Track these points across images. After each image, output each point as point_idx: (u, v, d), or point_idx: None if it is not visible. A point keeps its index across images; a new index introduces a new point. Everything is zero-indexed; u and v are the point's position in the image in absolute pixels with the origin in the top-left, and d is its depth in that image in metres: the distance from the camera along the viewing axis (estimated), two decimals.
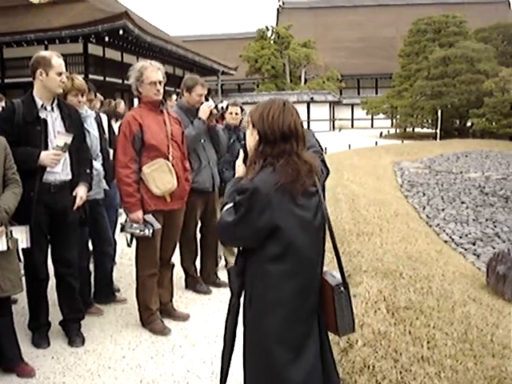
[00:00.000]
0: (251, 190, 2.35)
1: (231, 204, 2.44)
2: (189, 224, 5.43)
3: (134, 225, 4.46)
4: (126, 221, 4.53)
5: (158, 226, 4.52)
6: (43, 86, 4.13)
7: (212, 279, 5.72)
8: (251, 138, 2.53)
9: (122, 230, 4.56)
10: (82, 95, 4.85)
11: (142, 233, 4.45)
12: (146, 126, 4.47)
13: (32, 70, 4.13)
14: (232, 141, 6.02)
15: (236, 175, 2.61)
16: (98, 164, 4.95)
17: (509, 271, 5.75)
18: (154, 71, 4.51)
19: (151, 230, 4.47)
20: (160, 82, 4.52)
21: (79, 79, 4.87)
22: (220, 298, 5.37)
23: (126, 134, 4.44)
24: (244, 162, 2.60)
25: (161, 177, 4.48)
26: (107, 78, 25.46)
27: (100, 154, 5.06)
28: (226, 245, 2.63)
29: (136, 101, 9.36)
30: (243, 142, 2.70)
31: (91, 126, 4.99)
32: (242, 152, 2.62)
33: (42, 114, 4.12)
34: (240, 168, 2.60)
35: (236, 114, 6.12)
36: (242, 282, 2.51)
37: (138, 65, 4.57)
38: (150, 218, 4.49)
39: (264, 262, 2.43)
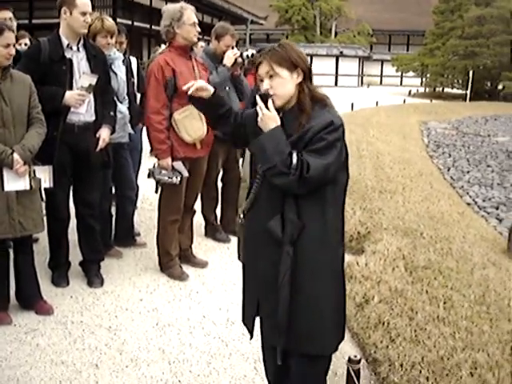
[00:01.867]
0: (342, 125, 2.44)
1: (295, 154, 2.35)
2: (210, 172, 5.41)
3: (163, 171, 4.44)
4: (154, 167, 4.51)
5: (186, 173, 4.53)
6: (67, 25, 4.08)
7: (232, 228, 5.72)
8: (289, 83, 2.46)
9: (150, 176, 4.54)
10: (112, 37, 4.80)
11: (170, 180, 4.44)
12: (179, 72, 4.41)
13: (58, 9, 4.09)
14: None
15: (273, 125, 2.41)
16: (123, 107, 4.92)
17: None
18: (193, 12, 4.44)
19: (179, 178, 4.47)
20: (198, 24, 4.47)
21: (109, 20, 4.81)
22: None
23: (158, 79, 4.36)
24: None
25: (192, 124, 4.44)
26: (135, 23, 25.21)
27: (126, 98, 5.02)
28: (306, 190, 2.48)
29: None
30: (258, 92, 2.51)
31: (119, 69, 4.94)
32: (260, 101, 2.42)
33: (68, 54, 4.10)
34: (277, 117, 2.43)
35: None
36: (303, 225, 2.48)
37: (175, 6, 4.44)
38: (179, 165, 4.48)
39: (338, 194, 2.53)
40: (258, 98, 2.44)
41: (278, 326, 2.51)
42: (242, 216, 2.73)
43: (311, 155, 2.36)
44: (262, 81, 2.52)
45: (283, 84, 2.46)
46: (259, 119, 2.44)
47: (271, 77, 2.47)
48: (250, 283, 2.76)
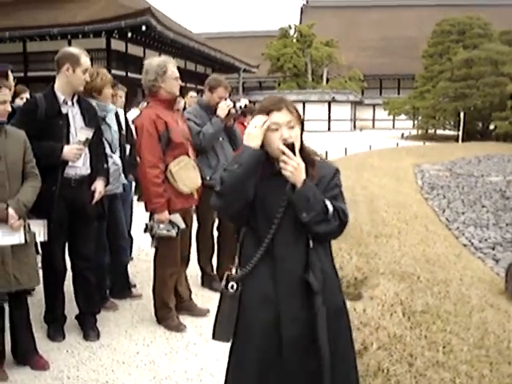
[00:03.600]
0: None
1: (327, 201, 2.43)
2: (206, 221, 5.43)
3: (161, 225, 4.45)
4: (151, 221, 4.51)
5: (182, 225, 4.54)
6: (67, 82, 4.16)
7: None
8: (298, 134, 2.47)
9: (147, 231, 4.53)
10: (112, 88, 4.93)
11: (168, 233, 4.46)
12: (170, 124, 4.48)
13: (58, 65, 4.17)
14: None
15: (304, 176, 2.38)
16: (118, 158, 4.96)
17: None
18: (175, 66, 4.54)
19: (177, 230, 4.48)
20: None
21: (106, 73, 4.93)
22: None
23: (151, 133, 4.40)
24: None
25: (188, 174, 4.51)
26: (129, 74, 25.56)
27: (118, 149, 5.07)
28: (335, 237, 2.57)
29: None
30: (288, 142, 2.40)
31: (112, 121, 5.01)
32: (289, 151, 2.35)
33: (64, 109, 4.16)
34: (304, 168, 2.40)
35: None
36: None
37: (159, 61, 4.54)
38: (176, 217, 4.50)
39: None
40: (284, 147, 2.35)
41: None
42: (233, 284, 2.58)
43: (333, 201, 2.44)
44: (275, 130, 2.41)
45: (298, 136, 2.46)
46: (291, 169, 2.35)
47: (291, 127, 2.43)
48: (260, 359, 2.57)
